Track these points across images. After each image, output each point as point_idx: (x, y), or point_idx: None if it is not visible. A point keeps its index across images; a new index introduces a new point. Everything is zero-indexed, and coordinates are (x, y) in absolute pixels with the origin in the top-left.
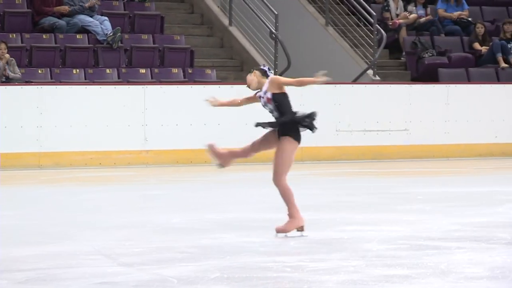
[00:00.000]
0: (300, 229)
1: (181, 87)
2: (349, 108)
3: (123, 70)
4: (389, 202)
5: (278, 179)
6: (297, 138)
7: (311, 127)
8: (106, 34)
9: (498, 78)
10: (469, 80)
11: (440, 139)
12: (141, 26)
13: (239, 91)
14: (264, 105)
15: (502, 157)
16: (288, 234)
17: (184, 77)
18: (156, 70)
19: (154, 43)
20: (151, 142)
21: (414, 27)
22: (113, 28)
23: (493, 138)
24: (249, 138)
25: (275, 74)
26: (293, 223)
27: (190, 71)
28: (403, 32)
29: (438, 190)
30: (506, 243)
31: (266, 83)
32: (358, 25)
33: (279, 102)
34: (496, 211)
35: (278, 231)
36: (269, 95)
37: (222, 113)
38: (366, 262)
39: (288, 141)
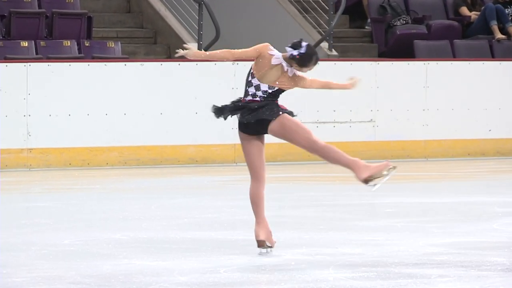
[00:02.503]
0: (392, 169)
1: (75, 65)
2: (298, 93)
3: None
4: (349, 216)
5: (312, 145)
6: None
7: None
8: None
9: (493, 53)
10: (454, 56)
11: (416, 133)
12: None
13: (152, 70)
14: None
15: (497, 157)
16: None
17: (80, 52)
18: (42, 43)
19: (39, 7)
20: (35, 138)
21: None
22: None
23: (486, 133)
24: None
25: (199, 47)
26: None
27: (87, 44)
28: None
29: (414, 200)
30: (501, 270)
31: (292, 68)
32: None
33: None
34: (489, 227)
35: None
36: (290, 82)
37: (129, 100)
38: None
39: (284, 117)
